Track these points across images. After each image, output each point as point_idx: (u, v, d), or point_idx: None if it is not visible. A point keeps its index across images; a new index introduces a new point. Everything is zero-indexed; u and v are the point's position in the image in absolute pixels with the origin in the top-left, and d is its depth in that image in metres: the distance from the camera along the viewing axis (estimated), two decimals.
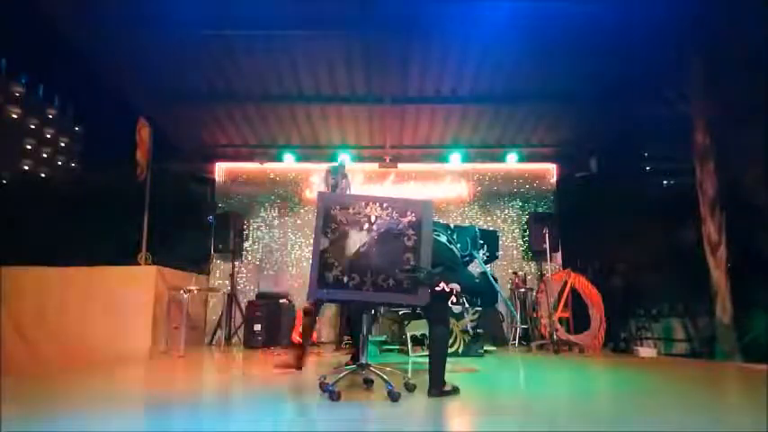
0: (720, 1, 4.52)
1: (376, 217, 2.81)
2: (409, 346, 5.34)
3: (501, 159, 7.57)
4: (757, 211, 5.12)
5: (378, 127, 7.01)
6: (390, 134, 7.13)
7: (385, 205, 2.84)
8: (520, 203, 7.66)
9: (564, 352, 5.80)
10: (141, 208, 5.86)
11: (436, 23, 4.88)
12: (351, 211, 2.83)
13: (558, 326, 6.08)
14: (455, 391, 2.87)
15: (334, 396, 2.65)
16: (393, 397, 2.64)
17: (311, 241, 2.88)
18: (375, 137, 7.29)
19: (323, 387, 2.81)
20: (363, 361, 2.96)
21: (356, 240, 2.80)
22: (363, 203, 2.85)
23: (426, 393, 2.80)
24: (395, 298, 2.79)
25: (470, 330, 5.24)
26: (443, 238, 3.06)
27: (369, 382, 3.08)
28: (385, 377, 2.78)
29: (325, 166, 7.49)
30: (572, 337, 6.11)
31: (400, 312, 5.87)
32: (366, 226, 2.80)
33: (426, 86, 6.09)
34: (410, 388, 2.97)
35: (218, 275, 7.35)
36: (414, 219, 2.79)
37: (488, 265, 3.41)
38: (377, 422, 2.39)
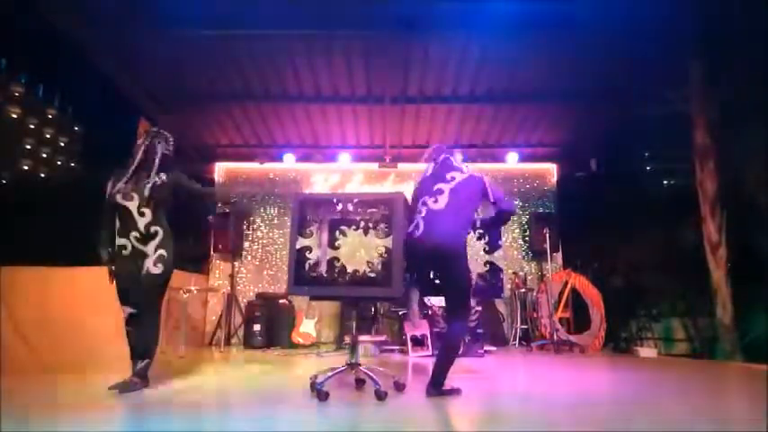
0: (721, 1, 4.51)
1: (348, 213, 2.88)
2: (409, 346, 5.35)
3: (501, 159, 7.57)
4: (757, 211, 5.12)
5: (378, 127, 7.01)
6: (390, 134, 7.13)
7: (356, 201, 2.92)
8: (520, 203, 7.65)
9: (564, 352, 5.80)
10: None
11: (436, 23, 4.87)
12: (324, 209, 2.93)
13: (559, 326, 6.08)
14: (455, 392, 2.86)
15: (322, 396, 2.67)
16: (379, 396, 2.67)
17: None
18: (375, 137, 7.29)
19: (313, 387, 2.82)
20: (353, 361, 2.96)
21: (330, 237, 2.88)
22: (335, 201, 2.96)
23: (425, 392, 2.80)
24: (369, 291, 2.85)
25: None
26: None
27: (360, 382, 3.08)
28: (373, 377, 2.80)
29: (322, 165, 7.57)
30: (572, 337, 6.11)
31: (400, 312, 5.87)
32: (338, 223, 2.87)
33: (426, 86, 6.08)
34: (400, 388, 2.99)
35: (217, 275, 7.35)
36: (386, 212, 2.85)
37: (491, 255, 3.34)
38: (353, 421, 2.42)
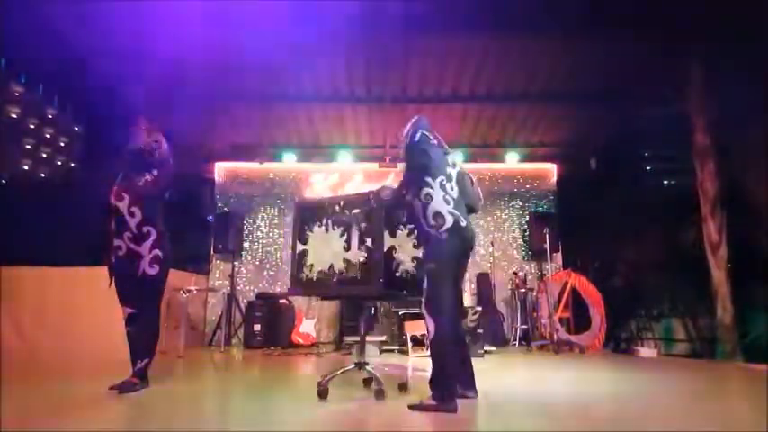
0: (720, 1, 4.51)
1: (336, 215, 2.98)
2: (409, 346, 5.34)
3: (501, 159, 7.57)
4: (757, 211, 5.11)
5: (378, 127, 7.01)
6: (390, 134, 7.13)
7: (342, 203, 3.02)
8: (520, 203, 7.66)
9: (564, 352, 5.79)
10: None
11: (436, 23, 4.87)
12: (317, 213, 3.04)
13: (559, 326, 6.08)
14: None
15: (322, 394, 2.70)
16: (378, 396, 2.70)
17: None
18: (375, 137, 7.29)
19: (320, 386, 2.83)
20: (362, 360, 2.97)
21: (322, 240, 2.98)
22: (327, 204, 3.07)
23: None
24: (354, 290, 2.93)
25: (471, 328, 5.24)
26: None
27: (368, 382, 3.08)
28: (377, 376, 2.83)
29: (322, 165, 7.58)
30: (572, 338, 6.11)
31: (400, 312, 5.87)
32: (328, 225, 2.99)
33: (426, 86, 6.08)
34: (403, 388, 3.00)
35: (217, 275, 7.35)
36: (367, 210, 2.93)
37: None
38: (348, 420, 2.43)
